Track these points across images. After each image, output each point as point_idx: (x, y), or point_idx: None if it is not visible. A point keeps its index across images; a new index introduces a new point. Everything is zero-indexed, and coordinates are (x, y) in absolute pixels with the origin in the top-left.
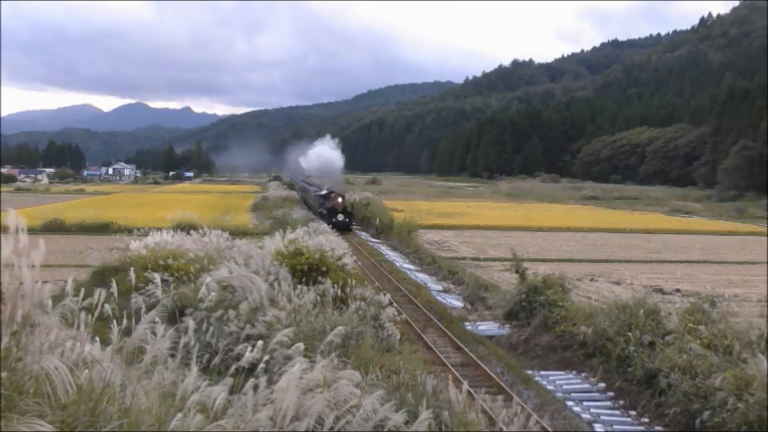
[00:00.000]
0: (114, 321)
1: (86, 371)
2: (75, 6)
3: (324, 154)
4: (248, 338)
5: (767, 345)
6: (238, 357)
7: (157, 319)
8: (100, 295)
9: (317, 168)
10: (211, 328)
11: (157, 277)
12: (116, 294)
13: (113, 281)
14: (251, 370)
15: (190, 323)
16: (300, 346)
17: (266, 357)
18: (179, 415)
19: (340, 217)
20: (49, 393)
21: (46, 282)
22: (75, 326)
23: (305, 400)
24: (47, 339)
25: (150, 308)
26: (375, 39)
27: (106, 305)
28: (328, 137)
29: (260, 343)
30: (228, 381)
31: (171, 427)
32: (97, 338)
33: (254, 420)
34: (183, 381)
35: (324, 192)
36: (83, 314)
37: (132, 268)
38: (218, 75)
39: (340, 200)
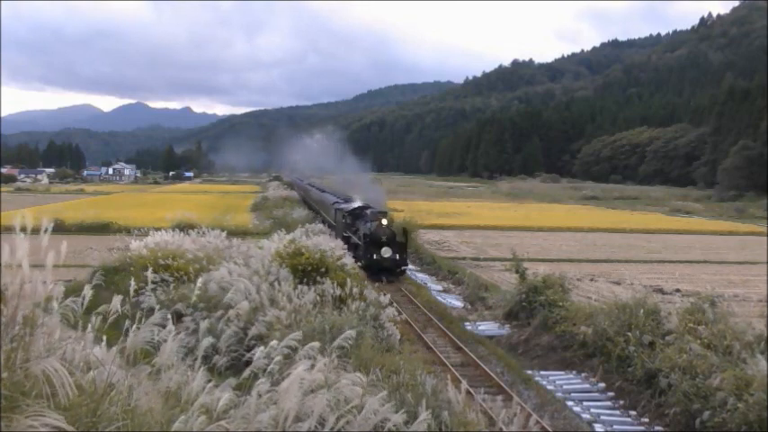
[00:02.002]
0: (116, 322)
1: (90, 372)
2: (74, 6)
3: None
4: (250, 339)
5: (767, 345)
6: (242, 359)
7: (168, 317)
8: (116, 302)
9: (318, 165)
10: (228, 330)
11: (199, 280)
12: (130, 296)
13: (132, 280)
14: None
15: (202, 324)
16: (315, 344)
17: (277, 358)
18: (182, 416)
19: (386, 252)
20: (50, 394)
21: (54, 282)
22: (80, 327)
23: (307, 401)
24: (49, 340)
25: (152, 309)
26: (375, 39)
27: (117, 306)
28: (330, 128)
29: (274, 342)
30: (232, 382)
31: (174, 428)
32: (103, 339)
33: (257, 422)
34: (189, 382)
35: (354, 205)
36: (85, 315)
37: (150, 267)
38: (217, 75)
39: (385, 222)
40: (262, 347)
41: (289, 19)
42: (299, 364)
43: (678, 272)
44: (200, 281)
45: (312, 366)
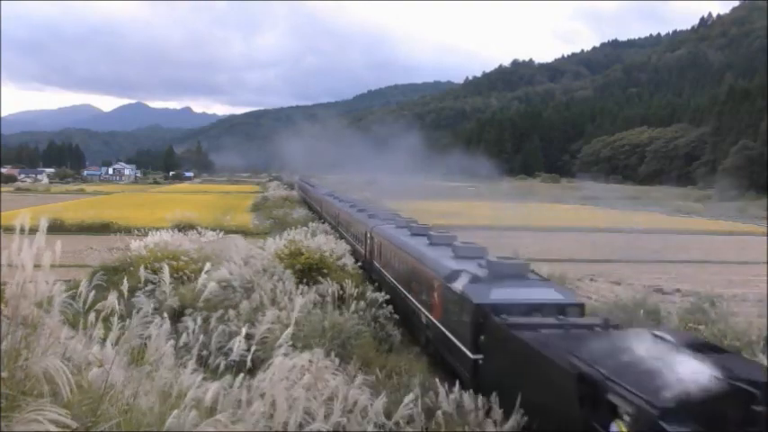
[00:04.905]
0: (116, 319)
1: (91, 371)
2: (71, 6)
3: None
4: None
5: (767, 344)
6: (228, 353)
7: (164, 316)
8: (113, 299)
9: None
10: (219, 328)
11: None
12: (125, 296)
13: (125, 279)
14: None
15: (189, 323)
16: (288, 330)
17: (254, 348)
18: (175, 412)
19: None
20: (50, 393)
21: (54, 282)
22: (81, 326)
23: (293, 392)
24: (49, 340)
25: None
26: (374, 39)
27: (114, 304)
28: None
29: (257, 332)
30: (227, 378)
31: (167, 424)
32: (103, 338)
33: (248, 414)
34: (180, 377)
35: (541, 295)
36: (85, 315)
37: (148, 267)
38: (217, 75)
39: None
40: (239, 338)
41: (286, 19)
42: (281, 354)
43: (678, 272)
44: (200, 280)
45: (301, 358)
